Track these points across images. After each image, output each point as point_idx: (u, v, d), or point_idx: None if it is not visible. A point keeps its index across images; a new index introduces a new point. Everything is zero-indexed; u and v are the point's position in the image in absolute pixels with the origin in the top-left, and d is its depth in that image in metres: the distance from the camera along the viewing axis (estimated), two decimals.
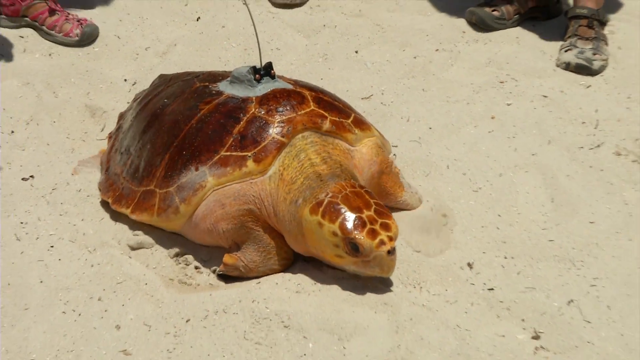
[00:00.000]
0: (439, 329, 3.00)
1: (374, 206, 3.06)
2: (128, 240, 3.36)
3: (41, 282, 3.15)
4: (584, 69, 4.45)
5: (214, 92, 3.39)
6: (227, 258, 3.23)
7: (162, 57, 4.52)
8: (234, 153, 3.19)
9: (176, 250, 3.34)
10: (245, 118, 3.24)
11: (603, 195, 3.66)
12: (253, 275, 3.23)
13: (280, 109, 3.25)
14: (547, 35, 4.72)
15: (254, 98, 3.29)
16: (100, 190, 3.52)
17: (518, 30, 4.77)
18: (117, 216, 3.44)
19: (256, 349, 2.92)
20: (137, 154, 3.40)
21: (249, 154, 3.18)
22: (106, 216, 3.46)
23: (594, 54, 4.47)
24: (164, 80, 3.73)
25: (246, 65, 3.39)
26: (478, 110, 4.16)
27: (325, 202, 3.06)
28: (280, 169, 3.18)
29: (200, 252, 3.35)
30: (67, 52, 4.48)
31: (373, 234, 3.01)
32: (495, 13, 4.78)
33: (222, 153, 3.19)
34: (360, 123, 3.36)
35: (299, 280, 3.15)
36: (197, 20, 4.81)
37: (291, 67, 4.37)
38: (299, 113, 3.24)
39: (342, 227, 3.02)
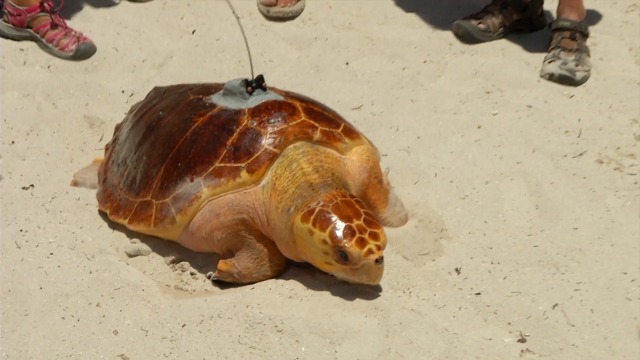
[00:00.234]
0: (427, 332, 3.00)
1: (363, 215, 3.06)
2: (125, 247, 3.36)
3: (41, 288, 3.14)
4: (567, 80, 4.45)
5: (207, 104, 3.38)
6: (222, 265, 3.23)
7: (159, 69, 4.51)
8: (227, 164, 3.18)
9: (172, 257, 3.33)
10: (238, 130, 3.23)
11: (586, 202, 3.66)
12: (247, 282, 3.23)
13: (272, 120, 3.24)
14: (531, 47, 4.72)
15: (246, 110, 3.29)
16: (98, 201, 3.51)
17: (503, 42, 4.77)
18: (114, 224, 3.43)
19: (250, 352, 2.92)
20: (133, 166, 3.39)
21: (243, 164, 3.17)
22: (104, 224, 3.45)
23: (577, 65, 4.48)
24: (158, 93, 3.71)
25: (238, 78, 3.39)
26: (465, 119, 4.16)
27: (316, 211, 3.06)
28: (272, 179, 3.17)
29: (196, 259, 3.35)
30: (66, 64, 4.48)
31: (362, 242, 3.01)
32: (481, 26, 4.78)
33: (217, 164, 3.19)
34: (350, 132, 3.35)
35: (292, 286, 3.15)
36: (193, 33, 4.81)
37: (284, 79, 4.37)
38: (290, 124, 3.24)
39: (332, 235, 3.02)
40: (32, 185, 3.63)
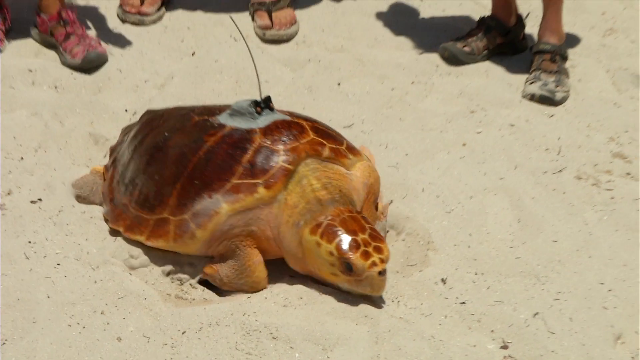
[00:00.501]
0: (415, 339, 3.02)
1: (368, 230, 3.09)
2: (128, 259, 3.35)
3: (48, 297, 3.15)
4: (547, 100, 4.48)
5: (215, 124, 3.36)
6: (208, 268, 3.26)
7: (160, 89, 4.52)
8: (245, 181, 3.18)
9: (170, 268, 3.33)
10: (252, 148, 3.23)
11: (565, 216, 3.69)
12: (226, 289, 3.25)
13: (284, 138, 3.25)
14: (513, 69, 4.74)
15: (257, 129, 3.29)
16: (108, 220, 3.48)
17: (487, 65, 4.79)
18: (118, 236, 3.42)
19: (247, 358, 2.93)
20: (144, 185, 3.37)
21: (260, 181, 3.17)
22: (108, 236, 3.45)
23: (557, 86, 4.50)
24: (156, 115, 3.67)
25: (246, 100, 3.39)
26: (450, 137, 4.18)
27: (324, 224, 3.09)
28: (285, 195, 3.19)
29: (195, 270, 3.34)
30: (73, 84, 4.48)
31: (366, 255, 3.03)
32: (466, 49, 4.80)
33: (234, 181, 3.18)
34: (352, 149, 3.38)
35: (287, 295, 3.16)
36: (192, 55, 4.82)
37: (279, 99, 4.38)
38: (301, 142, 3.25)
39: (338, 247, 3.05)
40: (39, 199, 3.63)
